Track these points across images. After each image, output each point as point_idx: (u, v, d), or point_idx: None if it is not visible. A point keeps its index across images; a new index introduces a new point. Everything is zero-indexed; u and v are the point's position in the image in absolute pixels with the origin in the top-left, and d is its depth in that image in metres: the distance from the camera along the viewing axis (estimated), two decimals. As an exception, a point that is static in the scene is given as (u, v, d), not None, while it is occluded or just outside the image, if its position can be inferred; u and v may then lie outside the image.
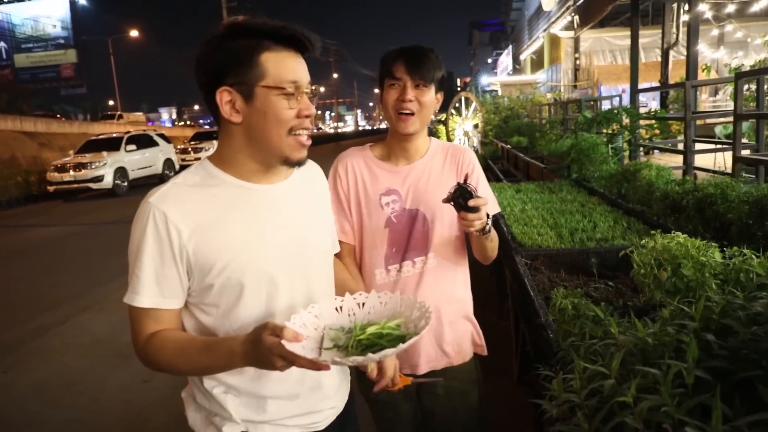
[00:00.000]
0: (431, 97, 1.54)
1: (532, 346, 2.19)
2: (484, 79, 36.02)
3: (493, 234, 1.54)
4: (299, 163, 1.15)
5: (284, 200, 1.18)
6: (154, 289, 1.08)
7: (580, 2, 15.21)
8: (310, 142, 1.15)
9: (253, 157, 1.12)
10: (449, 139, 16.45)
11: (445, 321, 1.64)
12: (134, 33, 36.86)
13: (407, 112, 1.52)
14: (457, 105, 16.97)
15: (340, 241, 1.55)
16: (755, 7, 10.32)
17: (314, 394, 1.21)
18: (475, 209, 1.36)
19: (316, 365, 0.94)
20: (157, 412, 3.22)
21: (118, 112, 33.40)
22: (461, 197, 1.35)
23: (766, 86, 3.78)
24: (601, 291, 2.17)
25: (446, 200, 1.38)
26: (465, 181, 1.37)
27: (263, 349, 0.95)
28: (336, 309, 1.12)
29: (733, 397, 0.89)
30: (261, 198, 1.15)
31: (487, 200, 1.41)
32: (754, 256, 1.45)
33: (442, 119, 16.89)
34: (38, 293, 5.90)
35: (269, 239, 1.13)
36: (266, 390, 1.15)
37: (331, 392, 1.27)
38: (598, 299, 2.01)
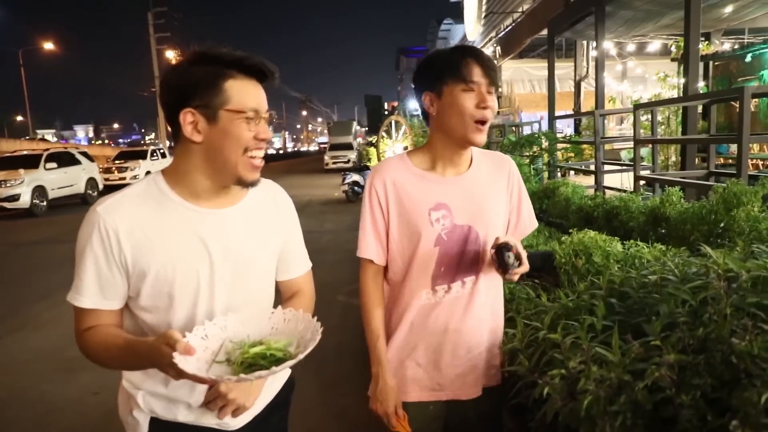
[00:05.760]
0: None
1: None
2: (412, 104, 37.22)
3: None
4: (252, 184, 1.22)
5: (226, 225, 1.24)
6: (97, 291, 1.17)
7: (501, 34, 16.34)
8: (262, 164, 1.22)
9: (207, 174, 1.20)
10: (379, 161, 16.89)
11: (488, 341, 1.54)
12: (48, 45, 34.93)
13: (486, 120, 1.39)
14: (387, 128, 17.54)
15: (368, 261, 1.51)
16: (650, 48, 11.65)
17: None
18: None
19: (200, 380, 1.01)
20: (110, 422, 3.26)
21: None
22: (503, 263, 1.32)
23: (659, 116, 4.43)
24: (529, 287, 2.56)
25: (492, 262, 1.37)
26: (506, 245, 1.33)
27: (159, 357, 1.02)
28: (241, 323, 1.16)
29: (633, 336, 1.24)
30: (202, 221, 1.21)
31: (527, 266, 1.36)
32: (645, 247, 1.88)
33: (373, 141, 17.35)
34: (-38, 315, 5.61)
35: (200, 262, 1.20)
36: (175, 395, 1.24)
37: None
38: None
